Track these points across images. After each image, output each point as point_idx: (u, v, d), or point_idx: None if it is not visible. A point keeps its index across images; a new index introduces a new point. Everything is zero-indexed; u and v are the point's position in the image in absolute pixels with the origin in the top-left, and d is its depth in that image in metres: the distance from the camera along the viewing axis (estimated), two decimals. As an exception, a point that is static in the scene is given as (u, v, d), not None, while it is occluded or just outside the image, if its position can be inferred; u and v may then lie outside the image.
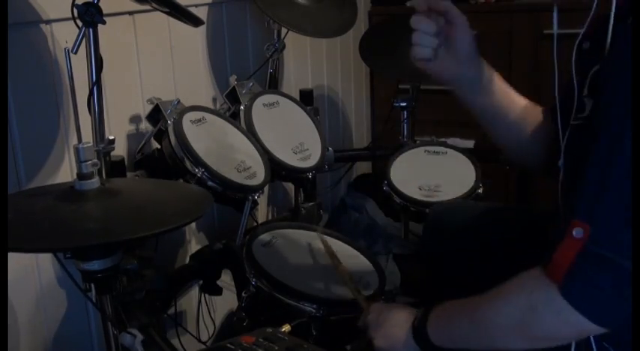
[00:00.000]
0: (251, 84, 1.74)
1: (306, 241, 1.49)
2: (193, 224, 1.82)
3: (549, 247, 0.83)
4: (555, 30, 0.94)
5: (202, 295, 1.61)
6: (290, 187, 2.19)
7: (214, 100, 1.89)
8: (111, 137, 1.28)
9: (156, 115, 1.51)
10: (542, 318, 0.83)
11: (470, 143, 2.63)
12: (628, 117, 0.76)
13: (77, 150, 0.96)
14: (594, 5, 0.86)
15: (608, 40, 0.81)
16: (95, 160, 0.97)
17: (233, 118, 1.66)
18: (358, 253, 1.50)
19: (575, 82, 0.90)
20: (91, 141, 1.23)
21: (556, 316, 0.82)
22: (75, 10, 1.15)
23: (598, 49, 0.84)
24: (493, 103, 1.11)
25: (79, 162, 0.96)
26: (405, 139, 2.13)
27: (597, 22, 0.87)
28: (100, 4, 1.16)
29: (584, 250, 0.79)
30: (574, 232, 0.79)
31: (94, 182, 0.97)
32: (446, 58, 1.06)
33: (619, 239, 0.77)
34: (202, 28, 1.80)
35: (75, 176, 0.98)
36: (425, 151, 1.95)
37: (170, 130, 1.44)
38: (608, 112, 0.80)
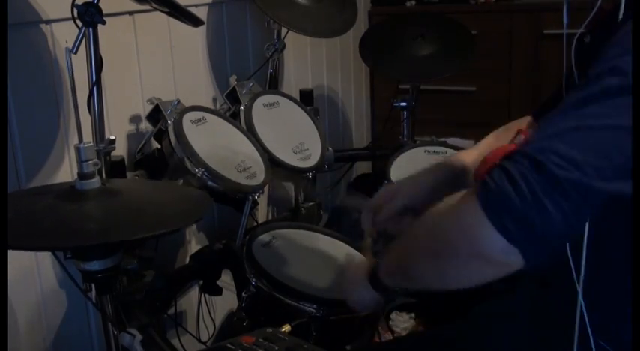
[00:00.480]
0: (251, 84, 1.74)
1: (306, 241, 1.49)
2: (193, 224, 1.82)
3: None
4: (565, 21, 0.92)
5: (202, 295, 1.61)
6: (290, 187, 2.19)
7: (214, 100, 1.89)
8: (112, 137, 1.28)
9: (156, 115, 1.51)
10: (451, 217, 0.75)
11: (470, 143, 2.62)
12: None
13: (78, 150, 0.96)
14: (598, 1, 0.85)
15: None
16: (96, 160, 0.97)
17: (233, 118, 1.66)
18: (358, 253, 1.50)
19: (576, 75, 0.90)
20: (91, 141, 1.23)
21: (463, 216, 0.72)
22: (75, 10, 1.15)
23: (599, 44, 0.84)
24: None
25: (80, 162, 0.96)
26: (405, 139, 2.14)
27: (599, 18, 0.86)
28: (100, 4, 1.16)
29: (516, 149, 0.69)
30: (517, 139, 0.73)
31: (95, 182, 0.97)
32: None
33: (557, 146, 0.67)
34: (202, 28, 1.80)
35: (74, 176, 0.98)
36: (425, 151, 1.95)
37: (170, 130, 1.44)
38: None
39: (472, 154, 1.12)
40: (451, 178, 1.11)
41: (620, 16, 0.78)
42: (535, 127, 0.74)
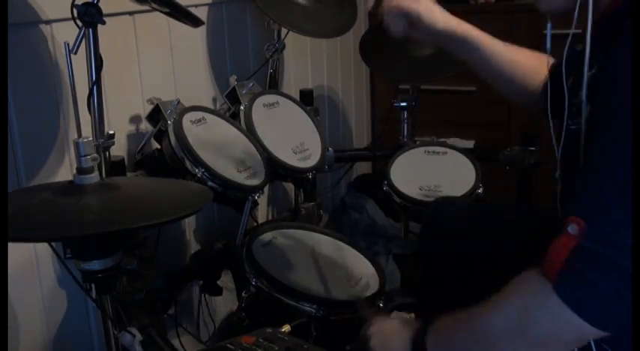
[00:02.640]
0: (251, 84, 1.74)
1: (306, 241, 1.50)
2: (193, 224, 1.82)
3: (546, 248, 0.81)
4: (549, 38, 0.95)
5: (202, 295, 1.61)
6: (290, 187, 2.20)
7: (214, 100, 1.89)
8: (111, 132, 1.28)
9: (156, 115, 1.51)
10: (538, 320, 0.81)
11: (470, 143, 2.63)
12: (628, 120, 0.75)
13: (77, 144, 0.96)
14: (590, 7, 0.85)
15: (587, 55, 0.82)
16: (95, 155, 0.97)
17: (233, 118, 1.66)
18: (358, 253, 1.50)
19: (565, 86, 0.90)
20: (91, 136, 1.23)
21: (551, 317, 0.79)
22: (75, 11, 1.15)
23: (592, 51, 0.83)
24: (483, 56, 1.23)
25: (79, 156, 0.96)
26: (405, 139, 2.14)
27: (592, 24, 0.87)
28: (100, 4, 1.16)
29: (578, 245, 0.76)
30: (569, 229, 0.77)
31: (94, 177, 0.97)
32: (417, 30, 1.20)
33: (615, 236, 0.75)
34: (202, 28, 1.80)
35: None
36: (425, 151, 1.95)
37: (170, 130, 1.44)
38: (608, 115, 0.79)
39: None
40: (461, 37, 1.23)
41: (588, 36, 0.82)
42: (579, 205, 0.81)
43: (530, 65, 1.23)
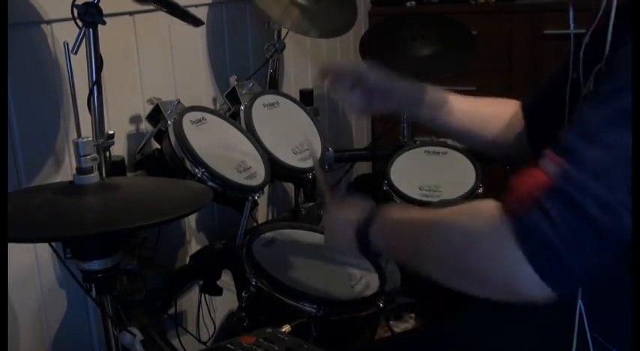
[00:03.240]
0: (251, 84, 1.74)
1: (306, 241, 1.49)
2: (193, 224, 1.82)
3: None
4: (572, 29, 0.93)
5: (202, 295, 1.61)
6: (290, 187, 2.20)
7: (214, 100, 1.89)
8: (110, 132, 1.28)
9: (156, 115, 1.51)
10: (479, 244, 0.75)
11: (470, 143, 2.63)
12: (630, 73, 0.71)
13: (77, 144, 0.96)
14: (603, 2, 0.82)
15: (609, 38, 0.78)
16: (94, 155, 0.97)
17: (233, 118, 1.66)
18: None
19: (579, 76, 0.89)
20: (91, 136, 1.23)
21: (494, 247, 0.73)
22: (75, 11, 1.15)
23: (599, 45, 0.83)
24: (447, 119, 1.18)
25: (79, 156, 0.96)
26: (405, 139, 2.14)
27: (600, 18, 0.86)
28: (100, 4, 1.16)
29: (552, 185, 0.70)
30: (546, 165, 0.71)
31: (94, 177, 0.97)
32: (377, 101, 1.17)
33: (596, 189, 0.68)
34: (202, 28, 1.80)
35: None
36: (425, 151, 1.95)
37: (170, 130, 1.44)
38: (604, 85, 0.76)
39: (456, 96, 1.19)
40: (412, 90, 1.20)
41: (612, 20, 0.78)
42: (555, 141, 0.74)
43: (485, 112, 1.21)
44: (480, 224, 0.77)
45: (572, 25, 0.91)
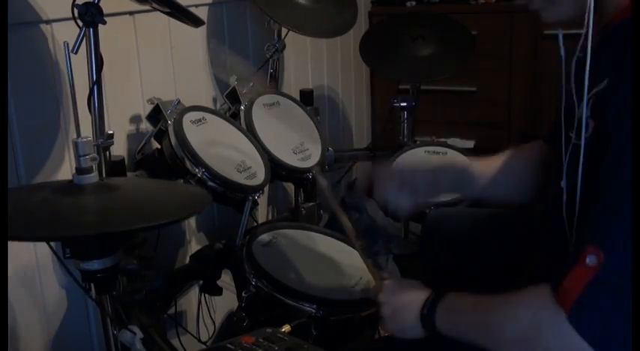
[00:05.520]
0: (251, 84, 1.75)
1: (306, 241, 1.50)
2: (193, 224, 1.82)
3: (558, 268, 0.81)
4: (563, 53, 0.94)
5: (202, 295, 1.61)
6: (290, 187, 2.20)
7: (214, 100, 1.89)
8: (110, 132, 1.28)
9: (156, 115, 1.51)
10: (546, 338, 0.82)
11: (470, 143, 2.63)
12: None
13: (76, 144, 0.96)
14: (589, 19, 0.84)
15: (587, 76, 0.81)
16: (94, 155, 0.97)
17: (233, 118, 1.66)
18: (358, 253, 1.50)
19: (574, 98, 0.89)
20: (90, 136, 1.23)
21: (559, 340, 0.80)
22: (75, 10, 1.15)
23: (595, 66, 0.83)
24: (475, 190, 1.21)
25: (78, 156, 0.95)
26: (405, 139, 2.14)
27: (593, 36, 0.85)
28: (100, 4, 1.16)
29: (596, 278, 0.77)
30: (587, 260, 0.77)
31: (93, 177, 0.97)
32: (424, 196, 1.20)
33: (629, 267, 0.75)
34: (202, 28, 1.80)
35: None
36: (425, 151, 1.95)
37: (170, 130, 1.44)
38: (614, 137, 0.78)
39: (478, 161, 1.21)
40: (452, 174, 1.20)
41: (590, 29, 0.81)
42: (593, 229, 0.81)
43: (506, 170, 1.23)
44: (539, 317, 0.83)
45: (562, 48, 0.94)
